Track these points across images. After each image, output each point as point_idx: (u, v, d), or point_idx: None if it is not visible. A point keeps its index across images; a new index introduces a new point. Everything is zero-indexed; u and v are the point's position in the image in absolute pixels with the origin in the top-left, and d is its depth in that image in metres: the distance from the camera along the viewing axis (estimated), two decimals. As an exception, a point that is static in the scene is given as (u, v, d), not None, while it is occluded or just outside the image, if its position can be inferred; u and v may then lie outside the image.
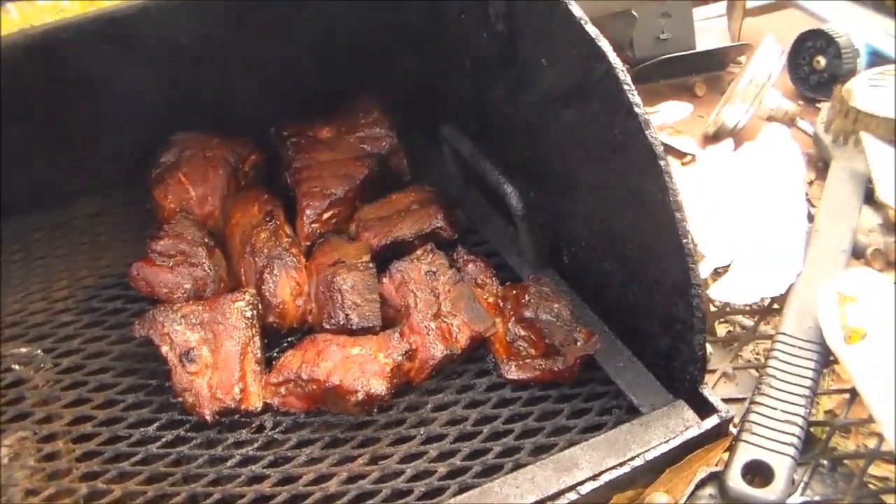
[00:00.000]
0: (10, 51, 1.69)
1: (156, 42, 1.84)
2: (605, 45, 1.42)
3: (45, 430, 1.61)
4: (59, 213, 2.12)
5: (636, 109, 1.40)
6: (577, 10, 1.45)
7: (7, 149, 1.85)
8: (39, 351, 1.77)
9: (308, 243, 1.93)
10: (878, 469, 1.65)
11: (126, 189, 2.13)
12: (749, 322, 2.03)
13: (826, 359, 1.65)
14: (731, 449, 1.46)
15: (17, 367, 1.73)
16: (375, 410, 1.62)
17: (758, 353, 2.25)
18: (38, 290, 1.94)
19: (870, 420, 1.55)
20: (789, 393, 1.54)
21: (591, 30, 1.43)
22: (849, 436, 1.89)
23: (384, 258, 1.84)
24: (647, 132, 1.40)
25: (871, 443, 1.68)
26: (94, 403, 1.66)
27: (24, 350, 1.77)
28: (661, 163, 1.40)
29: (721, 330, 2.22)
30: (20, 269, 1.99)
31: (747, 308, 2.00)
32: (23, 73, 1.75)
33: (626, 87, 1.41)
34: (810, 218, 2.07)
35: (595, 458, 1.47)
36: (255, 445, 1.58)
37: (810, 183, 2.40)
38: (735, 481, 1.40)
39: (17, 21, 4.33)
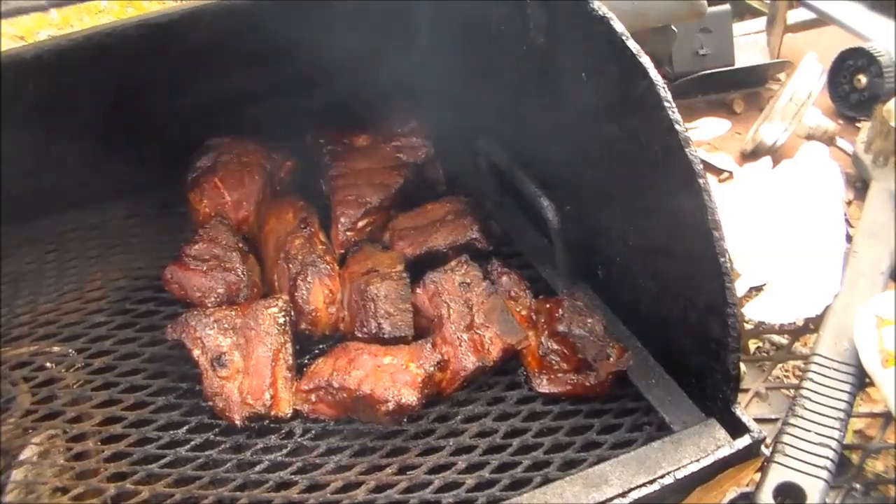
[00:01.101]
0: (53, 55, 1.70)
1: (193, 48, 1.84)
2: (646, 60, 1.42)
3: (76, 430, 1.62)
4: (94, 215, 2.13)
5: (677, 126, 1.39)
6: (618, 26, 1.44)
7: (45, 150, 1.86)
8: (72, 350, 1.78)
9: (342, 251, 1.94)
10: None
11: (161, 192, 2.14)
12: (783, 341, 2.02)
13: (862, 381, 1.63)
14: (762, 470, 1.45)
15: (49, 365, 1.74)
16: (405, 420, 1.62)
17: (790, 373, 2.24)
18: (72, 290, 1.95)
19: (905, 445, 1.53)
20: (824, 415, 1.52)
21: (633, 45, 1.43)
22: (878, 457, 1.87)
23: (418, 268, 1.84)
24: (686, 150, 1.39)
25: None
26: (124, 405, 1.67)
27: (56, 349, 1.78)
28: (701, 181, 1.39)
29: (754, 348, 2.21)
30: (54, 270, 2.00)
31: (782, 327, 1.98)
32: (63, 75, 1.76)
33: (666, 103, 1.40)
34: (848, 238, 2.05)
35: (625, 475, 1.46)
36: (284, 451, 1.58)
37: (849, 203, 2.39)
38: (766, 502, 1.38)
39: (57, 21, 4.38)
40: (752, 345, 2.24)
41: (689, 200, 1.42)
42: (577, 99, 1.68)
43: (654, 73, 1.41)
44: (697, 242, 1.44)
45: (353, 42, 1.97)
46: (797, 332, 1.96)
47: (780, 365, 2.22)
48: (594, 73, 1.59)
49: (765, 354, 2.18)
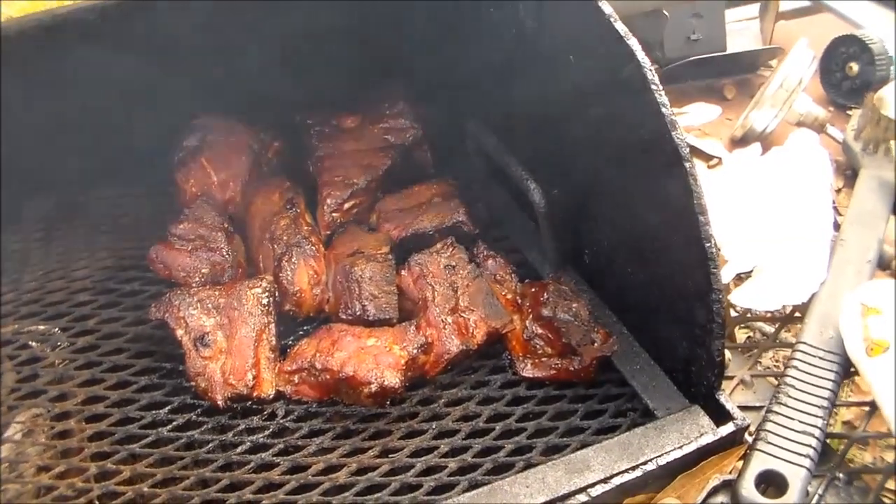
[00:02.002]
0: (35, 30, 1.68)
1: (180, 28, 1.82)
2: (633, 43, 1.41)
3: (59, 409, 1.61)
4: (81, 194, 2.12)
5: (663, 109, 1.38)
6: (606, 8, 1.43)
7: (32, 129, 1.85)
8: (57, 329, 1.77)
9: (328, 232, 1.93)
10: (893, 483, 1.63)
11: (149, 172, 2.12)
12: (770, 329, 2.01)
13: (846, 370, 1.62)
14: (745, 457, 1.44)
15: (33, 344, 1.73)
16: (388, 403, 1.61)
17: (777, 361, 2.23)
18: (57, 269, 1.94)
19: (889, 434, 1.52)
20: (807, 403, 1.51)
21: (620, 27, 1.42)
22: (867, 448, 1.87)
23: (404, 250, 1.84)
24: (673, 133, 1.38)
25: (890, 456, 1.66)
26: (107, 384, 1.66)
27: (41, 328, 1.77)
28: (687, 165, 1.38)
29: (741, 336, 2.20)
30: (40, 248, 2.00)
31: (768, 315, 1.97)
32: (47, 54, 1.74)
33: (653, 86, 1.39)
34: (836, 226, 2.04)
35: (607, 461, 1.46)
36: (266, 433, 1.58)
37: (838, 191, 2.38)
38: (748, 490, 1.38)
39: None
40: (742, 334, 2.24)
41: (675, 184, 1.42)
42: (565, 82, 1.67)
43: (641, 55, 1.40)
44: (683, 227, 1.43)
45: (340, 23, 1.96)
46: (784, 320, 1.96)
47: (768, 354, 2.21)
48: (582, 55, 1.58)
49: (752, 342, 2.17)
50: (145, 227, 2.03)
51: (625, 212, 1.66)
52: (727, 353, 1.64)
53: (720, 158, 2.60)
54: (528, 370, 1.68)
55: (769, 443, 1.44)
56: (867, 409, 1.67)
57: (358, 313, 1.71)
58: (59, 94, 1.85)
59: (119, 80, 1.87)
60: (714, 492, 1.42)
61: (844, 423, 1.98)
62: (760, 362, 1.92)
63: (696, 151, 2.60)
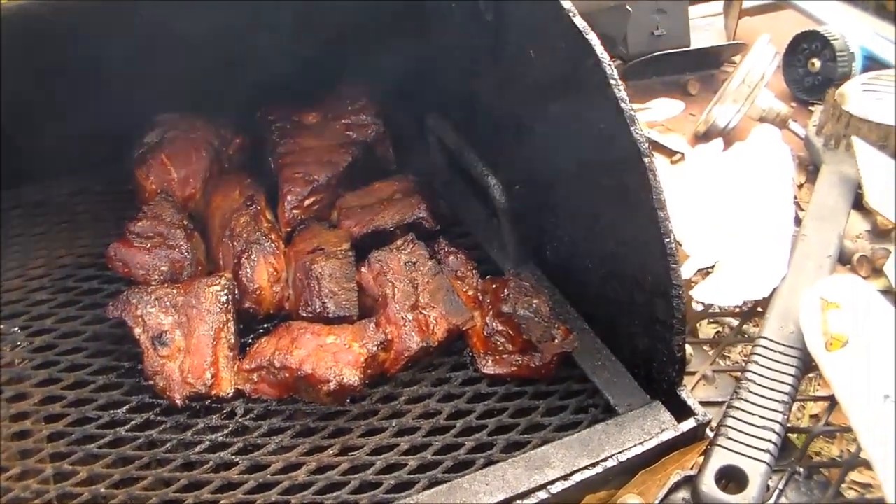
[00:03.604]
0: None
1: (142, 24, 1.81)
2: (592, 38, 1.40)
3: (15, 409, 1.59)
4: (40, 191, 2.10)
5: (622, 105, 1.38)
6: (566, 3, 1.43)
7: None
8: (15, 328, 1.75)
9: (288, 229, 1.91)
10: (860, 475, 1.64)
11: (108, 168, 2.11)
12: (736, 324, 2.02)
13: (807, 365, 1.63)
14: (706, 453, 1.44)
15: (-9, 343, 1.71)
16: (348, 400, 1.60)
17: (746, 356, 2.24)
18: (15, 267, 1.91)
19: (849, 428, 1.53)
20: (767, 398, 1.52)
21: (580, 23, 1.41)
22: (834, 441, 1.88)
23: (364, 247, 1.82)
24: (632, 128, 1.38)
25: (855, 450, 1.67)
26: (64, 383, 1.64)
27: (0, 327, 1.75)
28: (646, 160, 1.38)
29: (710, 331, 2.21)
30: (-3, 247, 1.97)
31: (731, 310, 1.98)
32: (3, 48, 1.72)
33: (612, 81, 1.39)
34: (797, 221, 2.05)
35: (568, 458, 1.45)
36: (226, 432, 1.56)
37: (799, 186, 2.39)
38: (708, 486, 1.38)
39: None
40: (711, 329, 2.24)
41: (634, 180, 1.41)
42: (526, 77, 1.66)
43: (600, 50, 1.40)
44: (642, 223, 1.43)
45: (304, 19, 1.94)
46: (746, 316, 1.96)
47: (737, 349, 2.22)
48: (542, 50, 1.58)
49: (720, 337, 2.18)
50: (104, 224, 2.01)
51: (585, 207, 1.66)
52: (689, 349, 1.64)
53: (683, 154, 2.60)
54: (489, 367, 1.67)
55: (730, 438, 1.44)
56: (828, 402, 1.67)
57: (318, 310, 1.70)
58: (16, 89, 1.82)
59: (80, 75, 1.85)
60: (675, 488, 1.42)
61: (812, 416, 1.99)
62: (729, 357, 1.93)
63: (659, 147, 2.60)
